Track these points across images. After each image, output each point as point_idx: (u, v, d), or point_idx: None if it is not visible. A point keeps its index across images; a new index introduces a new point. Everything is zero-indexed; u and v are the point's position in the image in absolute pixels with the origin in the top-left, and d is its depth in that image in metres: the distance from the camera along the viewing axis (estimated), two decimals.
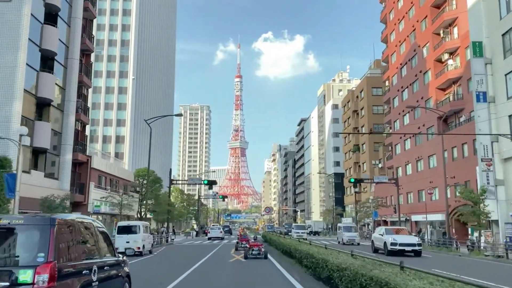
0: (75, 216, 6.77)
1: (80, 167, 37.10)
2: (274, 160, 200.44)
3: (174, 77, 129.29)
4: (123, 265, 7.87)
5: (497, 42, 34.21)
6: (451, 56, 44.89)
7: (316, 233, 72.21)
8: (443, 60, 45.90)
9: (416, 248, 24.00)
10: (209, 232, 53.14)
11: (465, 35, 41.11)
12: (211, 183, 44.22)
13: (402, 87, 56.22)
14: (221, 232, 51.63)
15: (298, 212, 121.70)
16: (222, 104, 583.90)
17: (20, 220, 5.66)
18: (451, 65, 44.36)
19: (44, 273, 5.13)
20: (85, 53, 37.97)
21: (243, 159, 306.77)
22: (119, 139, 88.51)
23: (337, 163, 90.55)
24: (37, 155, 30.21)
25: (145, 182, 42.95)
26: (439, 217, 43.46)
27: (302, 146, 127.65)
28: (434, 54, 47.01)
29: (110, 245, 7.56)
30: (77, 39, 34.82)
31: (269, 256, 21.46)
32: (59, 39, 32.02)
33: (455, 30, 44.70)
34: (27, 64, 27.87)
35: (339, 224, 45.72)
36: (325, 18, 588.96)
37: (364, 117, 71.63)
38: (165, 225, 47.84)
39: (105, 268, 6.83)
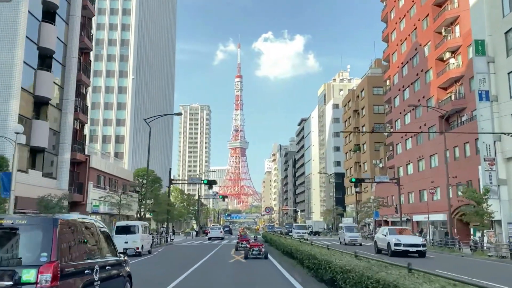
0: (77, 216, 6.81)
1: (79, 166, 36.75)
2: (274, 160, 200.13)
3: (174, 76, 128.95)
4: (124, 264, 7.92)
5: (500, 41, 33.86)
6: (453, 55, 44.55)
7: (316, 233, 71.82)
8: (444, 59, 45.56)
9: (421, 248, 23.45)
10: (209, 232, 52.92)
11: (467, 33, 40.78)
12: (211, 183, 43.91)
13: (403, 86, 55.88)
14: (221, 232, 51.40)
15: (299, 212, 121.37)
16: (222, 104, 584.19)
17: (23, 220, 5.74)
18: (453, 64, 44.02)
19: (47, 273, 5.21)
20: (84, 51, 37.62)
21: (243, 159, 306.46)
22: (118, 139, 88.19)
23: (337, 163, 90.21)
24: (35, 154, 29.87)
25: (144, 182, 42.61)
26: (440, 217, 43.12)
27: (303, 146, 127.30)
28: (435, 53, 46.67)
29: (112, 245, 7.61)
30: (75, 37, 34.46)
31: (269, 256, 21.24)
32: (57, 37, 31.68)
33: (457, 28, 44.36)
34: (24, 62, 27.52)
35: (340, 224, 45.24)
36: (325, 18, 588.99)
37: (365, 116, 71.28)
38: (165, 225, 47.51)
39: (107, 267, 6.88)
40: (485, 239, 28.65)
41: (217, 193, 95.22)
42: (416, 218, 48.87)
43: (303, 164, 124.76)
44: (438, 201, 43.89)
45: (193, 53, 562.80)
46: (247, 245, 23.70)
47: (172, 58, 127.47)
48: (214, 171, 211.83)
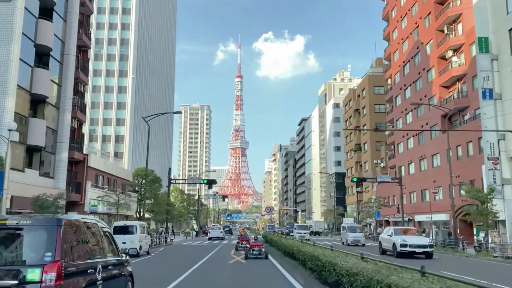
0: (80, 216, 6.88)
1: (77, 165, 36.26)
2: (274, 160, 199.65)
3: (174, 76, 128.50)
4: (126, 264, 8.01)
5: (504, 38, 33.37)
6: (455, 53, 44.06)
7: (317, 233, 71.22)
8: (447, 57, 45.08)
9: (428, 249, 22.53)
10: (209, 232, 52.71)
11: (470, 31, 40.31)
12: (210, 183, 43.45)
13: (404, 85, 55.39)
14: (221, 232, 51.15)
15: (299, 212, 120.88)
16: (223, 104, 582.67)
17: (28, 221, 5.83)
18: (455, 62, 43.52)
19: (51, 272, 5.30)
20: (82, 49, 37.11)
21: (243, 159, 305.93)
22: (118, 139, 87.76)
23: (338, 163, 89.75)
24: (31, 153, 29.38)
25: (144, 181, 42.12)
26: (443, 217, 42.64)
27: (303, 146, 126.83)
28: (437, 51, 46.19)
29: (114, 244, 7.69)
30: (73, 35, 33.97)
31: (270, 257, 20.89)
32: (55, 35, 31.16)
33: (460, 26, 43.88)
34: (20, 59, 27.01)
35: (343, 225, 44.50)
36: (326, 18, 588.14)
37: (366, 116, 70.78)
38: (164, 225, 47.02)
39: (109, 267, 6.96)
40: (490, 239, 28.16)
41: (217, 193, 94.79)
42: (418, 218, 48.37)
43: (303, 164, 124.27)
44: (440, 201, 43.39)
45: (193, 53, 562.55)
46: (248, 245, 23.58)
47: (172, 57, 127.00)
48: (214, 171, 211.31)
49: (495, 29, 34.21)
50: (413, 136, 52.31)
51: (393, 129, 56.96)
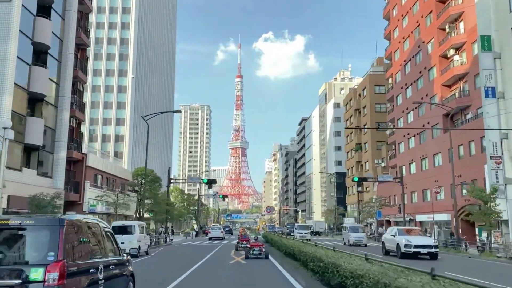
0: (82, 216, 6.94)
1: (75, 165, 35.92)
2: (275, 160, 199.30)
3: (174, 76, 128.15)
4: (127, 264, 8.08)
5: (507, 36, 33.07)
6: (457, 51, 43.70)
7: (317, 233, 70.78)
8: (448, 56, 44.72)
9: (433, 250, 21.97)
10: (209, 232, 52.53)
11: (472, 29, 39.97)
12: (210, 182, 43.16)
13: (406, 85, 55.04)
14: (221, 232, 50.96)
15: (299, 212, 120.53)
16: (223, 104, 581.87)
17: (31, 221, 5.91)
18: (457, 61, 43.16)
19: (54, 271, 5.35)
20: (81, 47, 36.77)
21: (243, 159, 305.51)
22: (118, 138, 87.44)
23: (338, 163, 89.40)
24: (29, 152, 29.02)
25: (144, 181, 41.79)
26: (444, 217, 42.30)
27: (303, 146, 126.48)
28: (439, 50, 45.84)
29: (115, 244, 7.73)
30: (71, 33, 33.60)
31: (271, 258, 20.63)
32: (53, 32, 30.81)
33: (461, 25, 43.51)
34: (18, 57, 26.64)
35: (345, 225, 43.96)
36: (326, 18, 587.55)
37: (367, 115, 70.41)
38: (164, 225, 46.70)
39: (111, 267, 7.02)
40: (492, 239, 27.82)
41: (217, 193, 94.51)
42: (419, 218, 48.03)
43: (303, 164, 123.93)
44: (442, 201, 43.05)
45: (193, 53, 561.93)
46: (248, 245, 23.50)
47: (172, 57, 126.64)
48: (214, 171, 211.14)
49: (497, 27, 33.91)
50: (414, 136, 51.97)
51: (395, 127, 56.53)
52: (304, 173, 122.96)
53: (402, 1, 57.26)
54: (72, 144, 34.60)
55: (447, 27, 44.90)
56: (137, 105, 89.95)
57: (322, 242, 34.61)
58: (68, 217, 6.19)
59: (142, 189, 41.02)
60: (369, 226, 62.00)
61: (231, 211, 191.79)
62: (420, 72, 50.80)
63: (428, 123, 46.32)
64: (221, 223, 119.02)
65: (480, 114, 37.34)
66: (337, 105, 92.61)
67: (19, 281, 5.27)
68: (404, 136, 54.64)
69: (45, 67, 29.94)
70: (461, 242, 30.01)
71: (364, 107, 72.36)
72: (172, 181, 48.52)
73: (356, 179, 42.18)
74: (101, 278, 6.42)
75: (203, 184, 49.25)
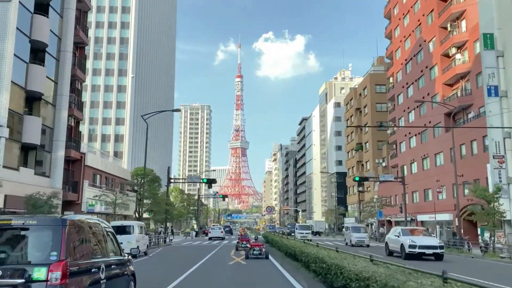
0: (84, 217, 6.99)
1: (74, 164, 35.54)
2: (275, 159, 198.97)
3: (174, 76, 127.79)
4: (128, 264, 8.10)
5: (510, 34, 32.73)
6: (459, 50, 43.39)
7: (317, 233, 70.33)
8: (450, 55, 44.41)
9: (438, 251, 21.41)
10: (209, 232, 52.26)
11: (474, 28, 39.63)
12: (210, 182, 42.82)
13: (407, 84, 54.70)
14: (222, 232, 50.76)
15: (300, 212, 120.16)
16: (223, 104, 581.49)
17: (34, 221, 5.95)
18: (459, 59, 42.85)
19: (57, 271, 5.39)
20: (79, 45, 36.40)
21: (243, 159, 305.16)
22: (118, 138, 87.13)
23: (339, 162, 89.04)
24: (27, 151, 28.66)
25: (143, 181, 41.41)
26: (446, 216, 41.96)
27: (304, 146, 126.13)
28: (441, 49, 45.52)
29: (116, 244, 7.77)
30: (70, 31, 33.23)
31: (272, 258, 20.36)
32: (51, 30, 30.43)
33: (463, 23, 43.19)
34: (15, 55, 26.26)
35: (346, 225, 43.49)
36: (326, 18, 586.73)
37: (368, 115, 70.04)
38: (163, 225, 46.35)
39: (112, 266, 7.05)
40: (495, 239, 27.47)
41: (217, 192, 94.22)
42: (420, 218, 47.68)
43: (304, 164, 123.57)
44: (444, 200, 42.71)
45: (193, 53, 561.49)
46: (248, 245, 23.42)
47: (172, 57, 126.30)
48: (214, 171, 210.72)
49: (500, 25, 33.54)
50: (415, 135, 51.64)
51: (398, 126, 56.12)
52: (304, 173, 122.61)
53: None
54: (70, 143, 34.24)
55: (448, 25, 44.56)
56: (137, 105, 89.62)
57: (323, 242, 34.27)
58: (70, 217, 6.27)
59: (142, 189, 40.66)
60: (370, 226, 61.63)
61: (231, 211, 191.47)
62: (421, 71, 50.47)
63: (430, 122, 45.97)
64: (221, 223, 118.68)
65: (482, 113, 37.02)
66: (337, 105, 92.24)
67: (22, 280, 5.31)
68: (405, 135, 54.29)
69: (43, 66, 29.57)
70: (463, 242, 29.62)
71: (365, 107, 72.00)
72: (171, 180, 48.17)
73: (357, 178, 41.84)
74: (102, 278, 6.46)
75: (203, 184, 48.92)
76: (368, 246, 34.62)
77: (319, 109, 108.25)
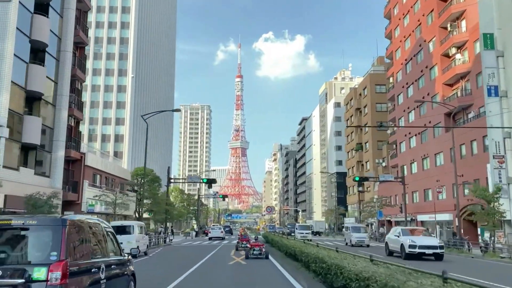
0: (84, 217, 7.02)
1: (74, 164, 35.54)
2: (275, 159, 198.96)
3: (174, 75, 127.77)
4: (128, 264, 8.12)
5: (510, 34, 32.72)
6: (459, 50, 43.38)
7: (317, 233, 70.30)
8: (450, 55, 44.40)
9: (438, 251, 21.35)
10: (209, 232, 52.25)
11: (474, 28, 39.63)
12: (210, 182, 42.81)
13: (407, 84, 54.70)
14: (222, 232, 50.77)
15: (300, 212, 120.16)
16: (223, 104, 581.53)
17: (34, 221, 5.96)
18: (459, 59, 42.84)
19: (57, 271, 5.40)
20: (79, 45, 36.40)
21: (243, 159, 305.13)
22: (118, 138, 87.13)
23: (339, 162, 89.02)
24: (27, 151, 28.65)
25: (143, 181, 41.41)
26: (446, 216, 41.96)
27: (304, 146, 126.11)
28: (441, 49, 45.51)
29: (117, 244, 7.78)
30: (70, 31, 33.21)
31: (272, 259, 20.35)
32: (51, 30, 30.41)
33: (463, 23, 43.19)
34: (15, 55, 26.25)
35: (346, 225, 43.36)
36: (326, 18, 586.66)
37: (368, 114, 70.04)
38: (163, 225, 46.34)
39: (112, 266, 7.06)
40: (495, 239, 27.46)
41: (217, 192, 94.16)
42: (420, 218, 47.69)
43: (304, 164, 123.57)
44: (444, 200, 42.70)
45: (193, 53, 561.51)
46: (248, 245, 23.45)
47: (172, 56, 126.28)
48: (214, 171, 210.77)
49: (500, 25, 33.54)
50: (415, 135, 51.63)
51: (398, 126, 56.10)
52: (304, 173, 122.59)
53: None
54: (70, 143, 34.23)
55: (448, 25, 44.56)
56: (137, 105, 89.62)
57: (323, 242, 34.25)
58: (70, 217, 6.27)
59: (141, 189, 40.67)
60: (370, 226, 61.63)
61: (231, 211, 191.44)
62: (421, 71, 50.47)
63: (430, 122, 45.98)
64: (221, 223, 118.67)
65: (482, 113, 37.02)
66: (337, 105, 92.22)
67: (22, 280, 5.31)
68: (405, 135, 54.29)
69: (43, 65, 29.55)
70: (463, 242, 29.62)
71: (365, 107, 72.00)
72: (171, 180, 48.15)
73: (357, 178, 41.83)
74: (102, 278, 6.47)
75: (203, 184, 48.93)
76: (368, 246, 34.58)
77: (319, 109, 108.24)
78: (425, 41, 49.59)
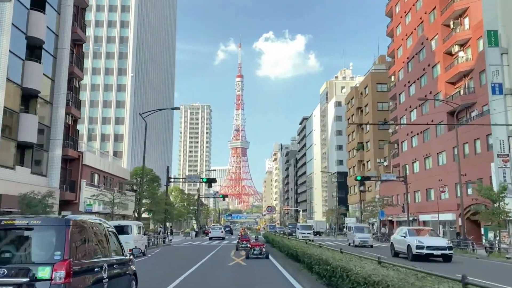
0: (86, 217, 7.11)
1: (71, 163, 35.03)
2: (275, 159, 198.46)
3: (174, 75, 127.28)
4: (130, 263, 8.18)
5: None
6: (462, 48, 42.82)
7: (318, 233, 69.68)
8: (453, 53, 43.85)
9: (447, 252, 20.59)
10: (209, 232, 51.87)
11: (477, 25, 39.10)
12: (209, 181, 42.32)
13: (409, 82, 54.15)
14: (222, 232, 50.38)
15: (300, 212, 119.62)
16: (223, 104, 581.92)
17: (38, 221, 6.07)
18: (462, 57, 42.27)
19: (60, 270, 5.48)
20: (77, 43, 35.87)
21: (244, 159, 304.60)
22: (117, 138, 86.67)
23: (340, 162, 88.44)
24: (23, 150, 28.15)
25: (142, 180, 40.89)
26: (449, 216, 41.44)
27: (304, 145, 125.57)
28: (443, 47, 44.96)
29: (118, 244, 7.84)
30: (67, 28, 32.70)
31: (273, 259, 19.90)
32: (48, 27, 29.91)
33: (466, 20, 42.63)
34: (10, 51, 25.74)
35: (349, 224, 42.49)
36: (326, 18, 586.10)
37: (369, 114, 69.46)
38: (162, 225, 45.84)
39: (114, 266, 7.13)
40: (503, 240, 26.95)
41: (217, 192, 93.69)
42: (422, 217, 47.15)
43: (304, 163, 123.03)
44: (446, 200, 42.17)
45: (193, 53, 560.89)
46: (248, 245, 23.30)
47: (172, 56, 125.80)
48: (215, 171, 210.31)
49: (504, 22, 33.08)
50: (417, 134, 51.08)
51: (400, 123, 55.51)
52: (305, 172, 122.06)
53: None
54: (68, 142, 33.72)
55: (451, 23, 44.02)
56: (137, 104, 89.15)
57: (324, 242, 33.73)
58: (74, 217, 6.39)
59: (141, 189, 40.16)
60: (371, 226, 61.11)
61: (232, 211, 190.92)
62: (423, 70, 49.93)
63: (432, 121, 45.41)
64: (222, 223, 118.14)
65: (486, 111, 36.49)
66: (338, 104, 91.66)
67: (27, 279, 5.39)
68: (407, 134, 53.75)
69: (40, 63, 29.06)
70: (468, 243, 29.07)
71: (366, 106, 71.43)
72: (171, 180, 47.65)
73: (359, 178, 41.33)
74: (105, 277, 6.55)
75: (203, 184, 48.46)
76: (371, 246, 33.83)
77: (319, 109, 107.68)
78: (427, 39, 49.05)
